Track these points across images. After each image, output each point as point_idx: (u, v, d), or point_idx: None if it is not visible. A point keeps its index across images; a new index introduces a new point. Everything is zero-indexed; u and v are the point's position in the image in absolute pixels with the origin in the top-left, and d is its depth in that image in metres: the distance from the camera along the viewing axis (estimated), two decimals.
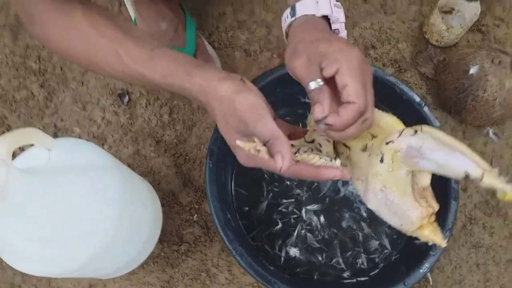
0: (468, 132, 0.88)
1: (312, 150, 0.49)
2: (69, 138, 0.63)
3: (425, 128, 0.50)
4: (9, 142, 0.49)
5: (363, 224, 0.76)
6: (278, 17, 0.91)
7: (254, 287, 0.77)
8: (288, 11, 0.55)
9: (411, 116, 0.72)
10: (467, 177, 0.44)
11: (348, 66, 0.44)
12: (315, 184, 0.78)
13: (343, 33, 0.54)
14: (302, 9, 0.54)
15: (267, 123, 0.44)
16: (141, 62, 0.52)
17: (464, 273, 0.79)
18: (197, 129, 0.86)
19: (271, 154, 0.43)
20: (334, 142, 0.52)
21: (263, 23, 0.94)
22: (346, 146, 0.52)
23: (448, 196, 0.69)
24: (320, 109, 0.45)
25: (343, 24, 0.54)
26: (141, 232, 0.70)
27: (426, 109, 0.73)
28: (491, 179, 0.43)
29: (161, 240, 0.79)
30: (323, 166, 0.45)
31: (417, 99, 0.73)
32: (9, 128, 0.88)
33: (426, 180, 0.48)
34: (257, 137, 0.44)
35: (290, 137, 0.53)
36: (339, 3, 0.54)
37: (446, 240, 0.50)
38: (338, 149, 0.53)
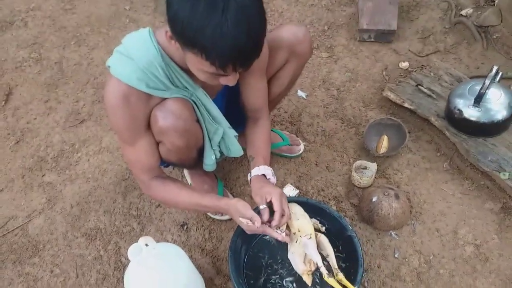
0: (380, 234, 1.51)
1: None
2: (164, 243, 1.32)
3: (319, 235, 1.19)
4: (143, 241, 1.18)
5: (317, 286, 1.35)
6: None
7: None
8: (249, 174, 1.30)
9: (336, 222, 1.37)
10: (317, 265, 1.15)
11: (274, 196, 1.16)
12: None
13: (272, 179, 1.28)
14: (253, 172, 1.28)
15: (249, 211, 1.14)
16: (199, 200, 1.24)
17: None
18: (224, 241, 1.53)
19: (253, 223, 1.12)
20: (287, 225, 1.20)
21: None
22: (289, 230, 1.20)
23: (357, 264, 1.29)
24: (264, 216, 1.15)
25: (271, 176, 1.28)
26: None
27: (344, 220, 1.38)
28: (323, 270, 1.13)
29: None
30: (276, 232, 1.13)
31: (337, 215, 1.39)
32: (120, 248, 1.56)
33: (309, 257, 1.17)
34: (246, 218, 1.13)
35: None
36: (269, 167, 1.29)
37: (308, 282, 1.18)
38: (288, 228, 1.20)
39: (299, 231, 1.21)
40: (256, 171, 1.28)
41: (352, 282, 1.24)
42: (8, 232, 1.62)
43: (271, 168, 1.29)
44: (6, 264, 1.54)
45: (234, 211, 1.18)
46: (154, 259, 1.19)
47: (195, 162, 1.39)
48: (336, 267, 1.18)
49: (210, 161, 1.36)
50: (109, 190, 1.70)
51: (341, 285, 1.15)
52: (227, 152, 1.39)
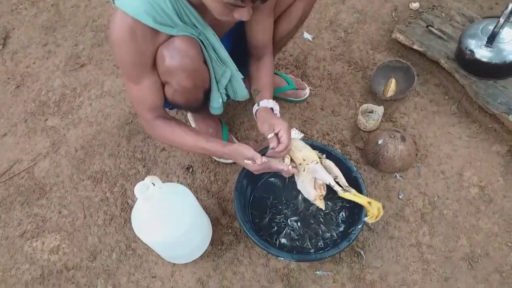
0: (385, 176, 1.51)
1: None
2: (170, 183, 1.32)
3: (324, 160, 1.18)
4: (149, 180, 1.18)
5: (321, 225, 1.37)
6: None
7: (263, 265, 1.36)
8: (256, 105, 1.29)
9: (341, 164, 1.36)
10: (330, 184, 1.14)
11: (283, 129, 1.15)
12: (296, 207, 1.41)
13: (278, 115, 1.28)
14: (262, 104, 1.27)
15: (250, 151, 1.14)
16: (204, 144, 1.22)
17: (384, 252, 1.36)
18: (229, 183, 1.54)
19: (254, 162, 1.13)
20: (290, 159, 1.20)
21: None
22: (294, 162, 1.20)
23: (362, 205, 1.30)
24: (274, 143, 1.16)
25: (278, 112, 1.28)
26: (202, 231, 1.34)
27: (349, 161, 1.37)
28: (337, 188, 1.14)
29: (211, 244, 1.41)
30: (281, 164, 1.14)
31: (342, 156, 1.38)
32: (126, 190, 1.57)
33: (319, 182, 1.17)
34: (248, 158, 1.13)
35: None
36: (276, 103, 1.28)
37: (326, 206, 1.22)
38: (292, 161, 1.21)
39: (304, 160, 1.22)
40: (266, 103, 1.27)
41: (356, 221, 1.26)
42: (15, 175, 1.63)
43: (276, 102, 1.29)
44: (14, 205, 1.56)
45: (238, 155, 1.18)
46: (160, 197, 1.20)
47: (201, 105, 1.37)
48: (347, 185, 1.20)
49: (217, 104, 1.34)
50: (113, 134, 1.69)
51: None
52: (234, 95, 1.36)
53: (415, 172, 1.52)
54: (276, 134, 1.18)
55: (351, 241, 1.23)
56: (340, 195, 1.17)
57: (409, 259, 1.35)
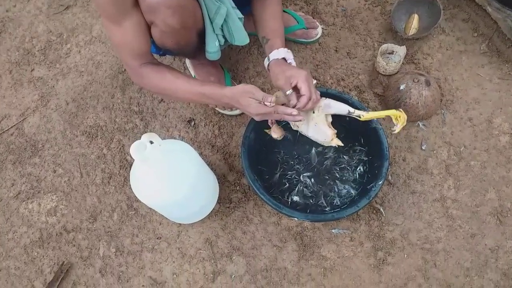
0: (406, 125, 1.38)
1: None
2: (170, 139, 1.19)
3: (324, 98, 1.09)
4: (147, 137, 1.05)
5: (337, 181, 1.26)
6: None
7: (275, 223, 1.27)
8: (266, 59, 1.13)
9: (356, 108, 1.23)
10: (349, 112, 1.04)
11: (301, 79, 1.00)
12: (308, 161, 1.30)
13: (293, 63, 1.12)
14: (272, 56, 1.12)
15: (260, 92, 1.00)
16: (199, 87, 1.08)
17: (405, 208, 1.26)
18: (235, 137, 1.41)
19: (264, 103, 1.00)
20: None
21: None
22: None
23: (382, 157, 1.17)
24: (293, 100, 1.02)
25: (292, 60, 1.12)
26: (208, 190, 1.23)
27: (368, 110, 1.24)
28: (358, 113, 1.04)
29: (218, 202, 1.32)
30: (289, 108, 1.02)
31: (361, 105, 1.23)
32: (123, 146, 1.45)
33: (330, 118, 1.09)
34: (258, 98, 1.00)
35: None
36: (289, 50, 1.12)
37: (340, 143, 1.11)
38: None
39: None
40: (276, 54, 1.11)
41: (377, 176, 1.15)
42: (3, 132, 1.51)
43: (289, 50, 1.12)
44: (6, 164, 1.46)
45: (240, 94, 1.03)
46: (160, 156, 1.07)
47: (196, 49, 1.20)
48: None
49: (213, 48, 1.17)
50: (105, 85, 1.54)
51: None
52: (231, 39, 1.19)
53: (440, 120, 1.38)
54: (295, 88, 1.03)
55: (370, 198, 1.13)
56: (363, 119, 1.07)
57: (432, 215, 1.25)
